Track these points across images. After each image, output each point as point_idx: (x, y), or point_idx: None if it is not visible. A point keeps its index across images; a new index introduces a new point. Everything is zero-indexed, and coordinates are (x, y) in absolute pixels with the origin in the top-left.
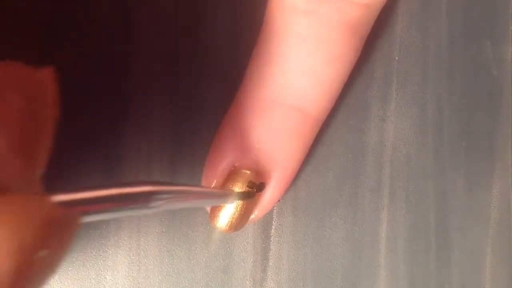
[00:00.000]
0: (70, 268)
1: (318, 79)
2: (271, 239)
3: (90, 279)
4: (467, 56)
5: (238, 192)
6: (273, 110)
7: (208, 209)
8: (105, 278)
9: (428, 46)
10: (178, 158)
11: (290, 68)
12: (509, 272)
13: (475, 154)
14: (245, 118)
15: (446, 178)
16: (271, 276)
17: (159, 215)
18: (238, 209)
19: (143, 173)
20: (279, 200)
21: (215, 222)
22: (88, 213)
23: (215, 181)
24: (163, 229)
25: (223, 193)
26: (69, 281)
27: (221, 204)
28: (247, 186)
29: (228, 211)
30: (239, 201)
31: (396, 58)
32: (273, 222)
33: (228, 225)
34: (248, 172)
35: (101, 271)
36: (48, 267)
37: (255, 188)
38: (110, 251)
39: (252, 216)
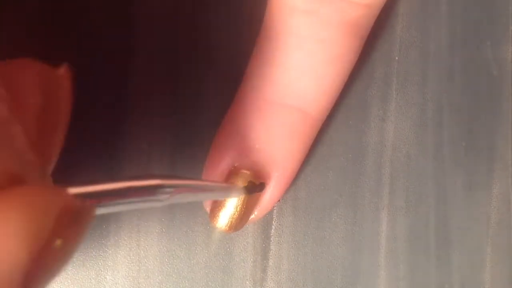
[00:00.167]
0: (70, 268)
1: (318, 79)
2: (271, 239)
3: (90, 279)
4: (467, 56)
5: (243, 186)
6: (273, 110)
7: (208, 209)
8: (105, 278)
9: (428, 46)
10: (178, 158)
11: (290, 68)
12: (509, 272)
13: (475, 154)
14: (245, 118)
15: (446, 178)
16: (271, 276)
17: (159, 215)
18: (238, 209)
19: (143, 173)
20: (279, 200)
21: (215, 222)
22: (101, 205)
23: None
24: (163, 229)
25: (228, 187)
26: (69, 281)
27: (227, 198)
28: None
29: (228, 211)
30: (244, 194)
31: (396, 58)
32: (273, 222)
33: (228, 225)
34: (248, 172)
35: (101, 271)
36: (62, 257)
37: (255, 190)
38: (110, 251)
39: (252, 216)
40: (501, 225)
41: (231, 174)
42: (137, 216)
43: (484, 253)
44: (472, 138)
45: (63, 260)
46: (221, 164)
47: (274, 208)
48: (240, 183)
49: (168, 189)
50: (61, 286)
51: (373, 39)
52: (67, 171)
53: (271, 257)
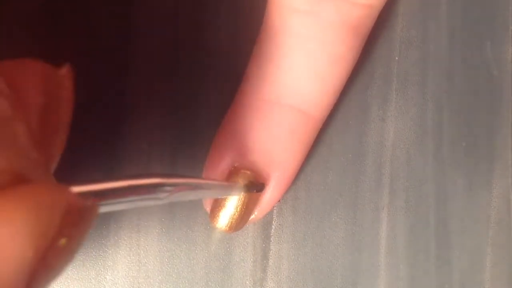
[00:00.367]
0: (70, 268)
1: (318, 79)
2: (271, 239)
3: (90, 279)
4: (467, 56)
5: (244, 184)
6: (273, 110)
7: (208, 209)
8: (105, 278)
9: (428, 46)
10: (178, 158)
11: (290, 69)
12: (509, 272)
13: (475, 154)
14: (245, 119)
15: (446, 178)
16: (271, 276)
17: (159, 215)
18: (238, 210)
19: (143, 172)
20: (279, 201)
21: (215, 223)
22: (104, 203)
23: None
24: (163, 229)
25: (228, 185)
26: (69, 281)
27: (227, 196)
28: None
29: (228, 211)
30: (244, 192)
31: (396, 58)
32: (273, 222)
33: (228, 225)
34: (248, 172)
35: (101, 271)
36: (67, 256)
37: (255, 189)
38: (110, 251)
39: (252, 217)
40: (501, 225)
41: (231, 174)
42: (137, 216)
43: (484, 253)
44: (472, 138)
45: (67, 259)
46: (221, 164)
47: (274, 208)
48: (240, 183)
49: (168, 188)
50: (61, 286)
51: (373, 39)
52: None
53: (271, 257)
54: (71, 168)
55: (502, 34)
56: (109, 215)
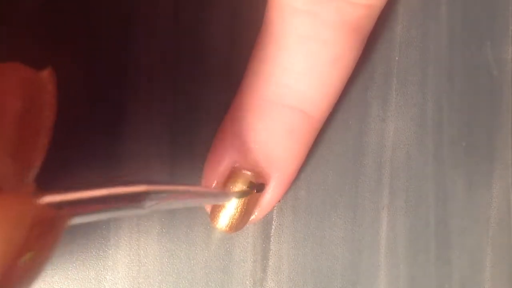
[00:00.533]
0: (70, 268)
1: (318, 79)
2: (271, 239)
3: (90, 279)
4: (467, 56)
5: (234, 191)
6: (273, 110)
7: (208, 209)
8: (105, 278)
9: (428, 46)
10: (178, 158)
11: (290, 69)
12: (509, 272)
13: (475, 154)
14: (245, 119)
15: (446, 178)
16: (271, 276)
17: (159, 215)
18: (239, 210)
19: (142, 173)
20: (279, 201)
21: (215, 223)
22: (79, 214)
23: (215, 182)
24: (163, 229)
25: (219, 193)
26: (69, 281)
27: (217, 203)
28: (247, 187)
29: (228, 211)
30: (236, 199)
31: (396, 58)
32: (273, 222)
33: (229, 225)
34: (248, 172)
35: (101, 271)
36: (33, 270)
37: (255, 189)
38: (110, 251)
39: (252, 217)
40: (501, 225)
41: (231, 175)
42: (136, 216)
43: (484, 253)
44: (472, 138)
45: (35, 272)
46: (221, 165)
47: (274, 208)
48: (241, 183)
49: (154, 196)
50: (61, 286)
51: (373, 39)
52: (67, 171)
53: (271, 257)
54: (70, 168)
55: (502, 34)
56: None
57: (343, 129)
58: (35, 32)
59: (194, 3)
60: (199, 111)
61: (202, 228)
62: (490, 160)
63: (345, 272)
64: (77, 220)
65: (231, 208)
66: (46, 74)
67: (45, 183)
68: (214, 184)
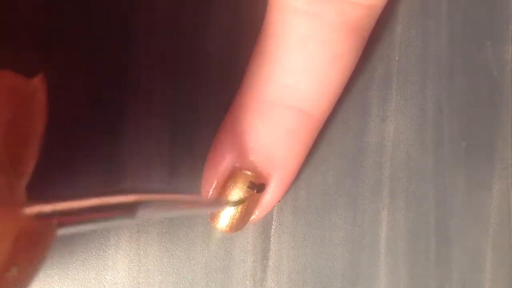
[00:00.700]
0: (70, 268)
1: (318, 79)
2: (271, 239)
3: (90, 279)
4: (467, 56)
5: (229, 200)
6: (273, 110)
7: None
8: (105, 278)
9: (428, 46)
10: (178, 159)
11: (291, 69)
12: (509, 272)
13: (475, 154)
14: (245, 119)
15: (446, 178)
16: (271, 276)
17: None
18: (239, 210)
19: (142, 174)
20: (279, 201)
21: (215, 223)
22: (69, 224)
23: (215, 182)
24: (163, 229)
25: (213, 202)
26: (69, 281)
27: (210, 211)
28: (248, 187)
29: (229, 212)
30: (230, 207)
31: (396, 58)
32: (273, 222)
33: (229, 226)
34: (249, 172)
35: (101, 271)
36: (22, 281)
37: (256, 189)
38: (110, 251)
39: (253, 217)
40: (501, 225)
41: (232, 175)
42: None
43: (484, 253)
44: (472, 138)
45: (24, 284)
46: (221, 165)
47: (274, 208)
48: (241, 183)
49: (145, 205)
50: (61, 286)
51: (373, 39)
52: (67, 171)
53: (271, 257)
54: (70, 168)
55: (502, 34)
56: None
57: (343, 129)
58: (35, 32)
59: (194, 3)
60: (199, 111)
61: (202, 228)
62: (490, 160)
63: (345, 272)
64: (67, 231)
65: (231, 208)
66: (36, 82)
67: (42, 187)
68: (214, 184)
